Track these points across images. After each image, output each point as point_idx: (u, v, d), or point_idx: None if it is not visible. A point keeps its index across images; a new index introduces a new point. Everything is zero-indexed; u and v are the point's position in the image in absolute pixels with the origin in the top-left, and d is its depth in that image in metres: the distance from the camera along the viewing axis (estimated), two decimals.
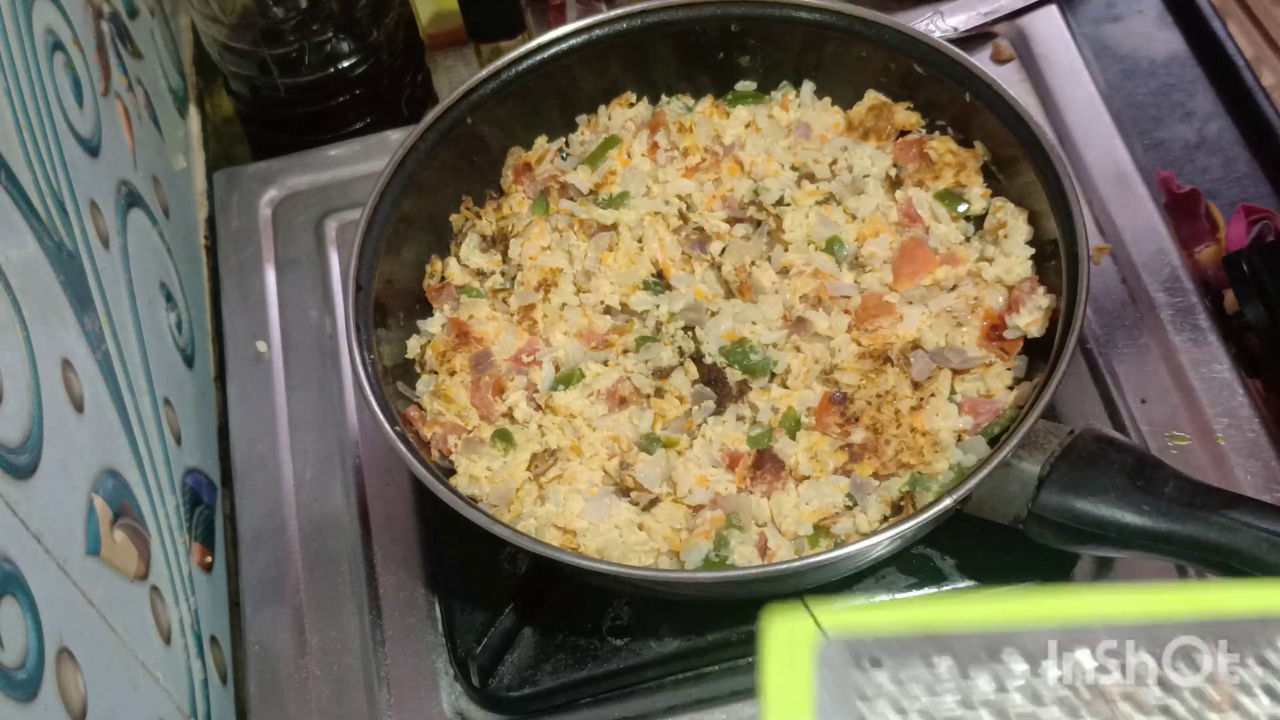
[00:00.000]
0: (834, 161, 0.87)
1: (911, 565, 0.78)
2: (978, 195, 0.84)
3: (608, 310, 0.83)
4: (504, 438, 0.78)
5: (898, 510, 0.73)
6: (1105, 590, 0.59)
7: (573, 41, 0.86)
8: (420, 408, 0.80)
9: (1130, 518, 0.67)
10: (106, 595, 0.64)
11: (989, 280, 0.80)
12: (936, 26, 1.03)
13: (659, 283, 0.84)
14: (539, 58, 0.86)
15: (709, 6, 0.87)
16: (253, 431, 0.90)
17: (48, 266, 0.67)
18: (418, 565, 0.83)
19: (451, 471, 0.77)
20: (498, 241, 0.87)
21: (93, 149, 0.80)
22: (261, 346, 0.93)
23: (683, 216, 0.86)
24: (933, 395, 0.76)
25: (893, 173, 0.86)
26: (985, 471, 0.68)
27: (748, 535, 0.73)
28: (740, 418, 0.78)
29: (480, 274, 0.87)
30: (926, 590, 0.77)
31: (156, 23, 1.09)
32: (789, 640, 0.44)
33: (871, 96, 0.88)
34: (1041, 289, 0.78)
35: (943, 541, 0.78)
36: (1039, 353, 0.76)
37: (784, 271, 0.82)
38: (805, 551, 0.72)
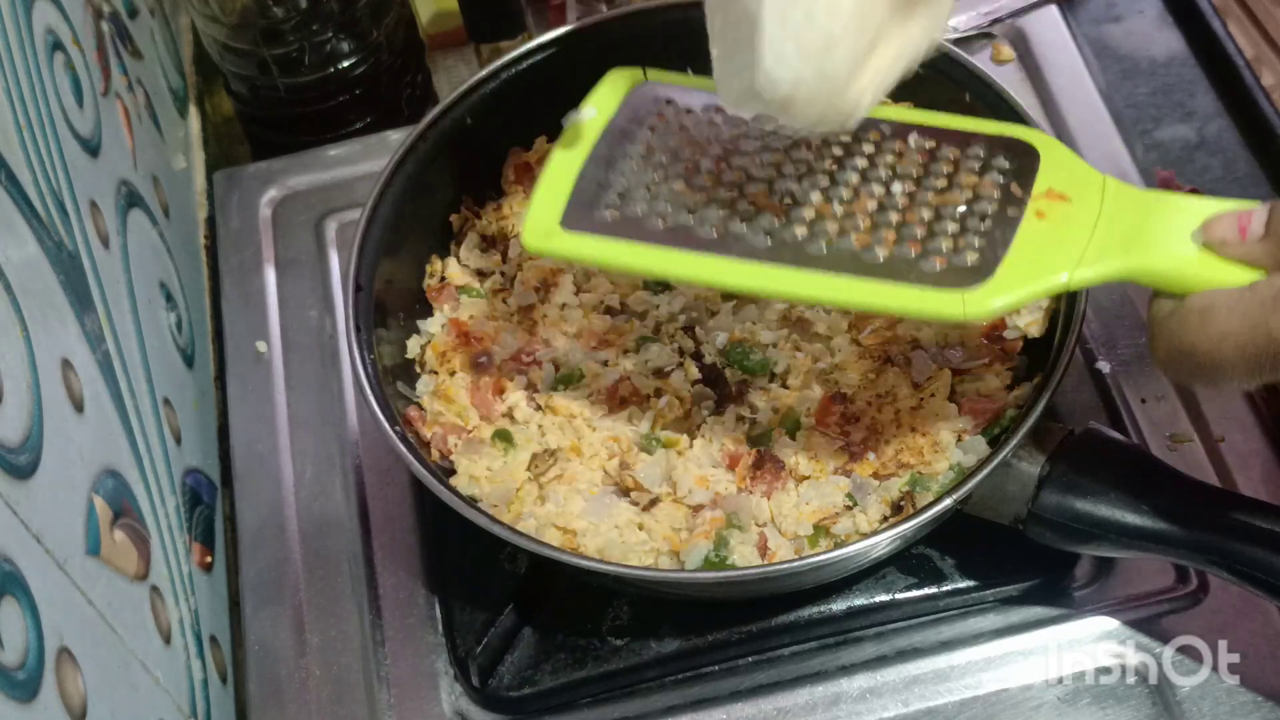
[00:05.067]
0: None
1: (911, 565, 0.78)
2: None
3: (608, 310, 0.83)
4: (504, 438, 0.78)
5: (898, 510, 0.73)
6: None
7: (573, 42, 0.86)
8: (420, 408, 0.80)
9: (1130, 518, 0.67)
10: (106, 595, 0.64)
11: None
12: None
13: (659, 283, 0.84)
14: (539, 58, 0.86)
15: None
16: (253, 431, 0.90)
17: (48, 266, 0.67)
18: (418, 565, 0.83)
19: (451, 471, 0.77)
20: (498, 241, 0.87)
21: (93, 149, 0.80)
22: (261, 346, 0.93)
23: None
24: (933, 395, 0.76)
25: None
26: (985, 471, 0.68)
27: (748, 535, 0.73)
28: (740, 418, 0.78)
29: (480, 274, 0.87)
30: (926, 589, 0.77)
31: (156, 23, 1.08)
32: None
33: None
34: None
35: (943, 541, 0.78)
36: (1039, 353, 0.76)
37: None
38: (805, 551, 0.72)
